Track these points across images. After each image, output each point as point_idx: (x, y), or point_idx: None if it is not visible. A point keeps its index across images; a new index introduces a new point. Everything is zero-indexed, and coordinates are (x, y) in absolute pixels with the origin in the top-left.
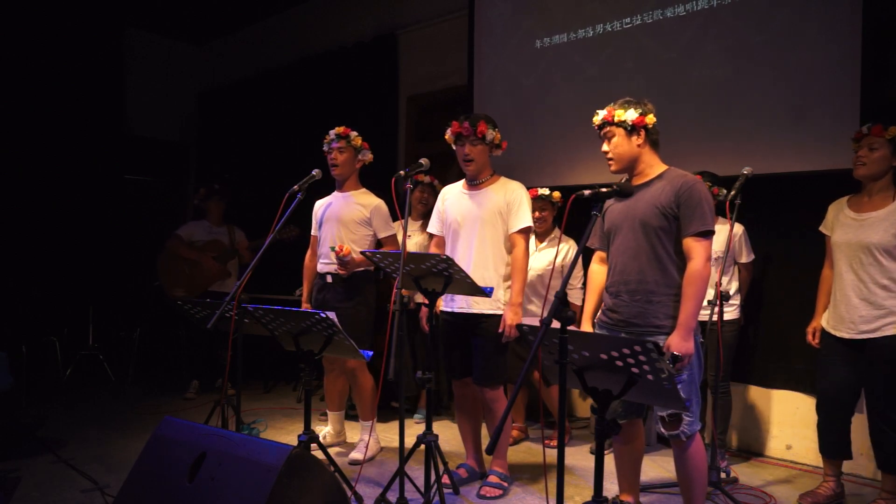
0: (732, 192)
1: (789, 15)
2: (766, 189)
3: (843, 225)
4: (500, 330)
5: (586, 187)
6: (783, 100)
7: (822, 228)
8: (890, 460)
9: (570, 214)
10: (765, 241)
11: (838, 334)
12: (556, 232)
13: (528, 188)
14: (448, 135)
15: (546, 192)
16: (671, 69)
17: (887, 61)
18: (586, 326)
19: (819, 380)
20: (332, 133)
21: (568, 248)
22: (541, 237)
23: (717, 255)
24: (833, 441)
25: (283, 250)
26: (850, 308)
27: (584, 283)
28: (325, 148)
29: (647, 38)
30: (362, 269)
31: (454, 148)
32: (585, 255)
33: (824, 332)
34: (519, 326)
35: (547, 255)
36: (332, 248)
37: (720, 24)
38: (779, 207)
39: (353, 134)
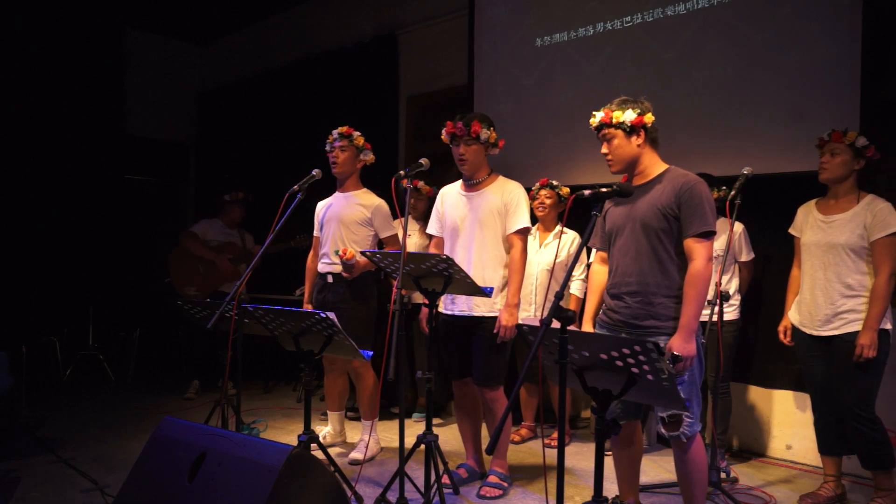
0: (732, 192)
1: (789, 15)
2: (766, 189)
3: (812, 227)
4: (496, 331)
5: (586, 187)
6: (783, 100)
7: (791, 230)
8: (872, 457)
9: (570, 214)
10: (765, 241)
11: (809, 332)
12: (559, 227)
13: (533, 185)
14: (443, 135)
15: (556, 183)
16: (671, 68)
17: (887, 61)
18: (587, 326)
19: (805, 378)
20: (335, 132)
21: (574, 238)
22: (547, 227)
23: (716, 254)
24: (829, 438)
25: (282, 251)
26: (817, 307)
27: (587, 277)
28: (328, 147)
29: (648, 37)
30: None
31: (451, 147)
32: (589, 250)
33: (796, 330)
34: (519, 326)
35: (553, 250)
36: (336, 252)
37: (720, 24)
38: (779, 207)
39: (356, 134)
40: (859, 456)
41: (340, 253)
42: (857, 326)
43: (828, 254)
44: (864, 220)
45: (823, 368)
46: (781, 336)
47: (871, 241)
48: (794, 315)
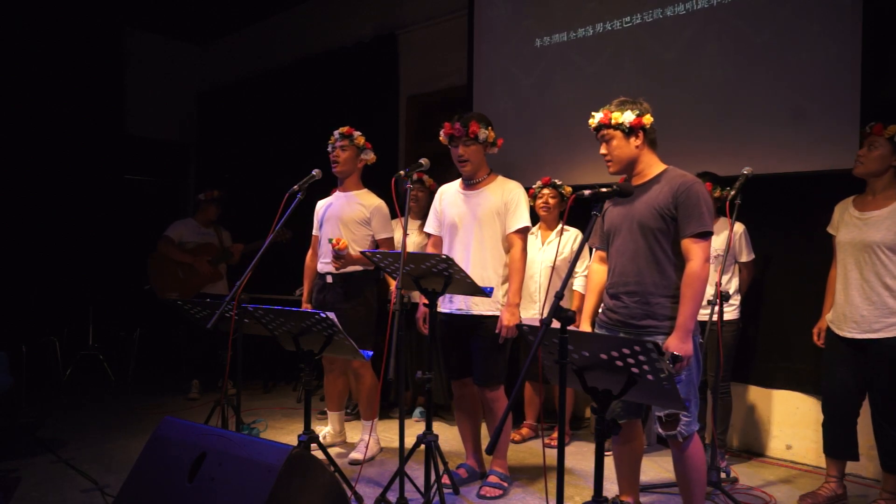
0: (732, 192)
1: (789, 14)
2: (766, 189)
3: (847, 224)
4: (497, 331)
5: (586, 187)
6: (783, 100)
7: (829, 229)
8: (893, 459)
9: (570, 214)
10: (765, 241)
11: (842, 334)
12: (561, 226)
13: (533, 184)
14: (441, 136)
15: (559, 182)
16: (671, 68)
17: (887, 60)
18: (585, 326)
19: (824, 379)
20: (337, 132)
21: (575, 236)
22: (549, 225)
23: (717, 254)
24: (838, 441)
25: (282, 250)
26: (853, 308)
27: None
28: (329, 148)
29: (647, 38)
30: (361, 268)
31: (450, 149)
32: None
33: (829, 331)
34: (519, 326)
35: (556, 249)
36: (330, 241)
37: (720, 24)
38: (779, 207)
39: (357, 133)
40: (881, 454)
41: (334, 242)
42: None
43: (863, 252)
44: None
45: (848, 373)
46: (815, 338)
47: None
48: (830, 317)
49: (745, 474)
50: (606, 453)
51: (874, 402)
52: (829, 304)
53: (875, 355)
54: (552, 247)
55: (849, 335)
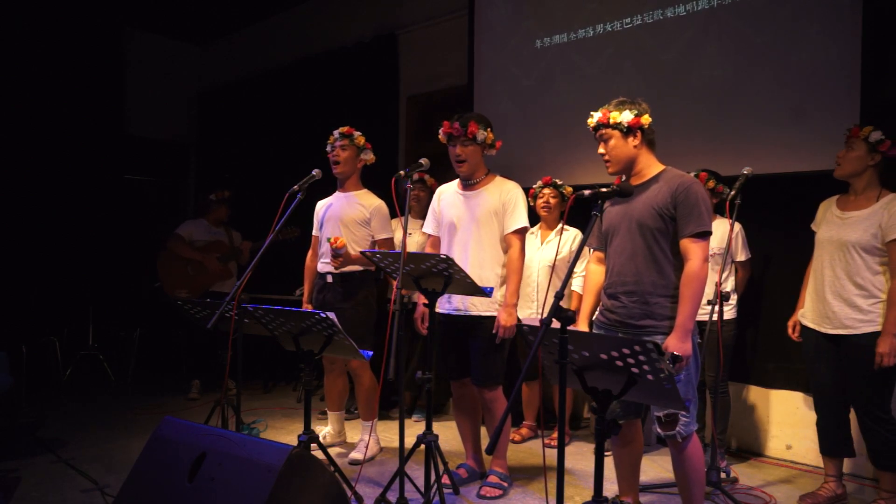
0: (732, 192)
1: (789, 15)
2: (766, 189)
3: (828, 222)
4: (494, 331)
5: (586, 187)
6: (783, 100)
7: (812, 225)
8: (883, 458)
9: (569, 214)
10: (765, 240)
11: (818, 329)
12: (560, 225)
13: (533, 184)
14: (440, 135)
15: (559, 182)
16: (671, 69)
17: (887, 61)
18: (582, 326)
19: (810, 379)
20: (336, 132)
21: (575, 235)
22: (550, 225)
23: (712, 252)
24: (832, 439)
25: (283, 250)
26: (825, 304)
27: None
28: (329, 148)
29: (648, 38)
30: (361, 268)
31: (448, 148)
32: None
33: (804, 327)
34: (519, 326)
35: (555, 248)
36: (328, 240)
37: (720, 24)
38: (779, 207)
39: (357, 133)
40: (870, 454)
41: (332, 240)
42: (870, 328)
43: (839, 251)
44: (880, 219)
45: (829, 368)
46: (790, 331)
47: (886, 241)
48: (803, 312)
49: (745, 474)
50: (606, 453)
51: (854, 400)
52: (804, 298)
53: (850, 353)
54: (551, 246)
55: (824, 330)
